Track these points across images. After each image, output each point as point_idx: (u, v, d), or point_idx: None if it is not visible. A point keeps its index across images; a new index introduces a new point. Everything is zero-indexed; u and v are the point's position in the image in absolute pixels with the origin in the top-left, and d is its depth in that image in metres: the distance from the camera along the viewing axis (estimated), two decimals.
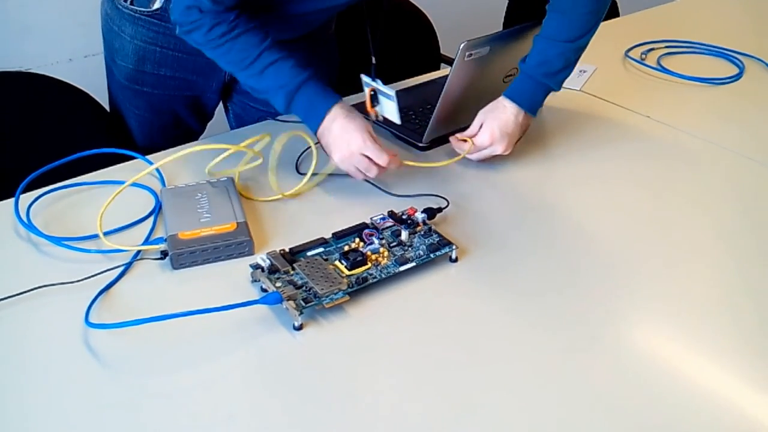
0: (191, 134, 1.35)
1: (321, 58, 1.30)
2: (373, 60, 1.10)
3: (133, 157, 1.10)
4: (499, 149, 1.08)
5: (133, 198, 1.02)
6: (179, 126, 1.32)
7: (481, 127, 1.09)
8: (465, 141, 1.09)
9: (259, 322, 0.81)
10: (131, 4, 1.18)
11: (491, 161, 1.11)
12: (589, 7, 1.07)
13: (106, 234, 0.94)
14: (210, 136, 1.23)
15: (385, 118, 1.10)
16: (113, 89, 1.31)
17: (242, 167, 1.06)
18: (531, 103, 1.10)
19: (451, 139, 1.12)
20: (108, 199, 1.01)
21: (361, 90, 1.12)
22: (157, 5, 1.17)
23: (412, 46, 1.82)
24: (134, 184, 1.03)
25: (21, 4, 1.92)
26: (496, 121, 1.08)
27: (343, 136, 1.01)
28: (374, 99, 1.08)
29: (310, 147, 1.15)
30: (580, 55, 1.11)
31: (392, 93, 1.05)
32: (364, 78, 1.09)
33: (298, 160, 1.12)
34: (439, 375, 0.75)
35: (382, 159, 1.01)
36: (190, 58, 1.22)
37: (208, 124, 1.39)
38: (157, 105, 1.28)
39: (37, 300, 0.83)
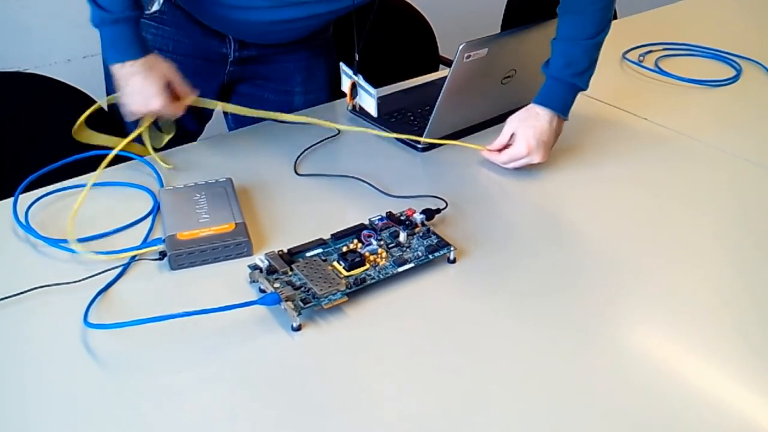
0: (190, 136, 1.35)
1: (319, 62, 1.30)
2: (356, 57, 1.12)
3: (130, 158, 1.10)
4: (536, 158, 1.08)
5: (132, 199, 1.02)
6: (178, 128, 1.32)
7: (513, 135, 1.09)
8: (498, 152, 1.09)
9: (258, 323, 0.81)
10: (128, 10, 1.18)
11: (488, 162, 1.12)
12: (602, 3, 1.07)
13: (104, 235, 0.94)
14: (208, 138, 1.23)
15: (361, 107, 1.15)
16: (111, 92, 1.31)
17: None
18: (563, 106, 1.10)
19: (484, 153, 1.12)
20: (105, 199, 1.01)
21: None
22: (155, 8, 1.17)
23: (410, 48, 1.82)
24: (132, 185, 1.04)
25: (20, 4, 1.92)
26: (531, 129, 1.07)
27: (143, 93, 1.03)
28: (354, 90, 1.13)
29: (309, 147, 1.16)
30: (599, 51, 1.11)
31: (373, 92, 1.09)
32: (345, 68, 1.12)
33: (296, 162, 1.12)
34: (438, 376, 0.75)
35: (174, 113, 1.04)
36: (188, 60, 1.22)
37: (205, 126, 1.39)
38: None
39: (36, 300, 0.83)
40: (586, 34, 1.08)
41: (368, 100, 1.11)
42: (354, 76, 1.11)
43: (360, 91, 1.12)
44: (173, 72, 1.06)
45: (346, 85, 1.15)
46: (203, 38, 1.22)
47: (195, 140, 1.31)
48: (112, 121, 1.30)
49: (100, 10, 1.02)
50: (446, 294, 0.87)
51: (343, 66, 1.14)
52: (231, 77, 1.27)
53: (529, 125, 1.08)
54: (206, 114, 1.36)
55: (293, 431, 0.69)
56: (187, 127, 1.33)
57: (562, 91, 1.10)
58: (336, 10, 1.16)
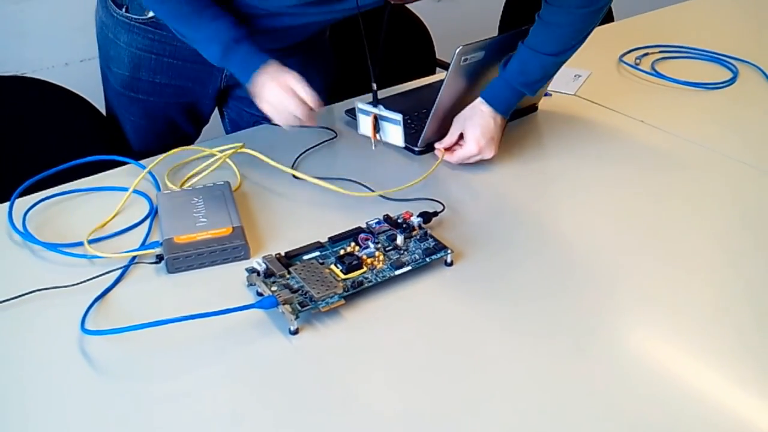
0: (187, 139, 1.35)
1: (315, 65, 1.30)
2: (374, 86, 1.09)
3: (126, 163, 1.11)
4: (487, 155, 1.11)
5: (128, 203, 1.02)
6: (175, 132, 1.32)
7: (461, 135, 1.11)
8: (450, 152, 1.12)
9: (255, 327, 0.81)
10: (126, 11, 1.18)
11: (486, 164, 1.12)
12: (577, 25, 1.09)
13: (101, 239, 0.94)
14: (205, 141, 1.23)
15: (385, 142, 1.08)
16: (109, 96, 1.31)
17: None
18: (507, 108, 1.12)
19: (438, 153, 1.13)
20: (102, 203, 1.01)
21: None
22: (152, 13, 1.17)
23: (408, 51, 1.83)
24: (128, 189, 1.03)
25: (18, 8, 1.92)
26: (479, 128, 1.09)
27: (277, 78, 1.05)
28: (376, 125, 1.07)
29: (306, 150, 1.16)
30: (559, 68, 1.14)
31: (399, 118, 1.04)
32: (361, 106, 1.08)
33: (295, 163, 1.12)
34: (435, 379, 0.75)
35: (311, 98, 1.03)
36: (186, 65, 1.22)
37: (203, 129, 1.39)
38: (153, 112, 1.28)
39: (33, 304, 0.83)
40: (550, 49, 1.10)
41: (393, 132, 1.05)
42: (374, 109, 1.06)
43: (383, 124, 1.05)
44: (297, 78, 1.06)
45: (366, 126, 1.07)
46: None
47: (192, 143, 1.31)
48: (110, 128, 1.31)
49: (220, 43, 1.06)
50: (443, 297, 0.87)
51: (358, 105, 1.09)
52: (228, 81, 1.27)
53: (475, 123, 1.10)
54: (203, 119, 1.36)
55: None
56: (185, 130, 1.34)
57: (508, 95, 1.12)
58: (333, 18, 1.16)
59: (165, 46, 1.20)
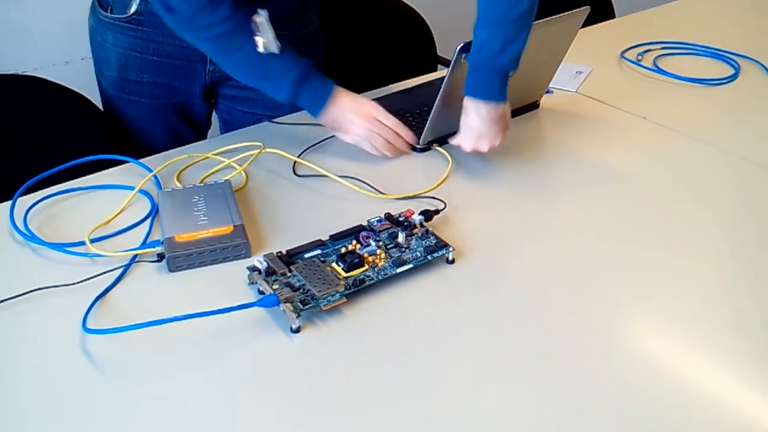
0: (184, 144, 1.36)
1: (302, 54, 1.29)
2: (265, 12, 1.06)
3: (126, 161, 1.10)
4: (484, 148, 1.08)
5: (129, 201, 1.02)
6: (176, 138, 1.32)
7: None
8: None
9: (257, 325, 0.81)
10: (111, 12, 1.20)
11: (487, 162, 1.12)
12: None
13: (102, 238, 0.94)
14: (206, 139, 1.23)
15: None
16: (104, 102, 1.32)
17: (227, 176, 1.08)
18: (486, 92, 1.07)
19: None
20: (104, 202, 1.01)
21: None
22: (133, 9, 1.18)
23: (408, 48, 1.82)
24: (129, 188, 1.03)
25: (18, 6, 1.92)
26: (466, 126, 1.08)
27: (355, 105, 1.09)
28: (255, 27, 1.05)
29: (307, 148, 1.16)
30: (523, 27, 1.06)
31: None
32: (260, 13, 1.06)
33: (295, 162, 1.12)
34: (436, 377, 0.75)
35: (392, 122, 1.07)
36: (169, 62, 1.23)
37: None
38: (148, 115, 1.29)
39: (34, 303, 0.83)
40: (492, 17, 1.05)
41: (266, 35, 1.04)
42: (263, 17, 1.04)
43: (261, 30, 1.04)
44: (376, 107, 1.10)
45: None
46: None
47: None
48: (111, 127, 1.31)
49: (287, 80, 1.06)
50: (445, 295, 0.86)
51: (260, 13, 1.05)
52: (213, 77, 1.27)
53: (464, 122, 1.08)
54: (200, 123, 1.35)
55: None
56: (184, 135, 1.33)
57: (480, 77, 1.07)
58: None
59: (149, 43, 1.21)
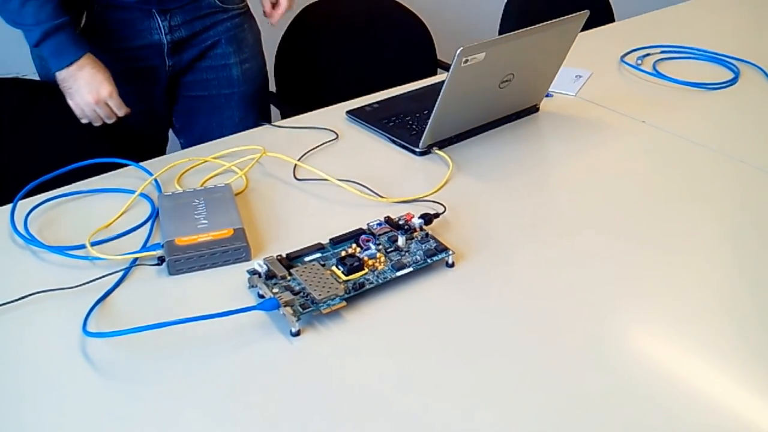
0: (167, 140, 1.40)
1: (243, 29, 1.39)
2: None
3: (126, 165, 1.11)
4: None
5: (130, 204, 1.02)
6: (161, 131, 1.36)
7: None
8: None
9: (257, 329, 0.81)
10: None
11: (487, 166, 1.12)
12: None
13: (103, 241, 0.94)
14: (206, 143, 1.23)
15: None
16: None
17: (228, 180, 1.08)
18: None
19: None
20: (104, 205, 1.01)
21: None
22: (83, 22, 1.22)
23: (409, 52, 1.83)
24: (130, 191, 1.04)
25: None
26: None
27: (92, 83, 1.14)
28: None
29: (307, 152, 1.16)
30: None
31: None
32: None
33: (295, 168, 1.12)
34: (437, 380, 0.75)
35: (122, 111, 1.18)
36: (130, 65, 1.27)
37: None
38: (125, 121, 1.31)
39: (34, 306, 0.83)
40: None
41: None
42: None
43: None
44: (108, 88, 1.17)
45: None
46: (133, 32, 1.24)
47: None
48: (111, 130, 1.31)
49: (37, 27, 1.10)
50: (445, 298, 0.87)
51: None
52: (173, 71, 1.32)
53: None
54: (163, 129, 1.40)
55: None
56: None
57: None
58: None
59: (102, 56, 1.23)
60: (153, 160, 1.13)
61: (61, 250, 0.92)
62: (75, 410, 0.71)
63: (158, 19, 1.23)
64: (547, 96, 1.35)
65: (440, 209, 1.00)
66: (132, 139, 1.34)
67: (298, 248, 0.90)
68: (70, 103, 1.19)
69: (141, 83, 1.28)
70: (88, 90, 1.14)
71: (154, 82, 1.30)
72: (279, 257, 0.88)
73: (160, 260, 0.89)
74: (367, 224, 0.95)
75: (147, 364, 0.76)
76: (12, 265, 0.91)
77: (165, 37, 1.25)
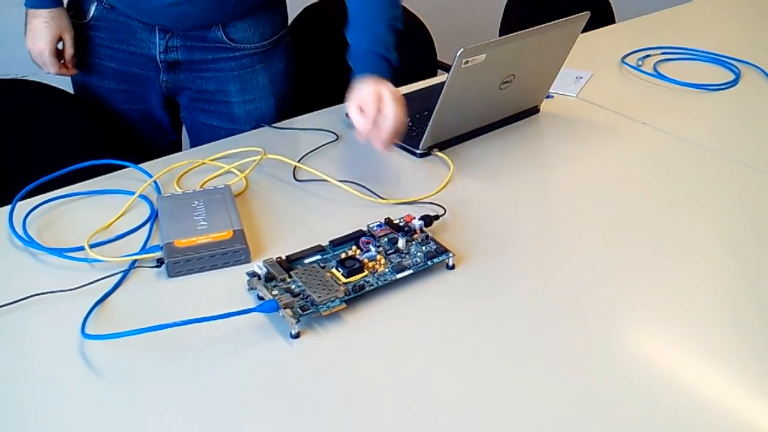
0: (177, 145, 1.38)
1: (254, 70, 1.30)
2: None
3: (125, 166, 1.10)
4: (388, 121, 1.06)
5: (129, 206, 1.02)
6: (161, 136, 1.35)
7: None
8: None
9: (256, 331, 0.80)
10: (73, 18, 1.24)
11: (487, 167, 1.12)
12: None
13: (101, 243, 0.94)
14: (206, 144, 1.23)
15: None
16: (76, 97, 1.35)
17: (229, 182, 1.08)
18: (376, 70, 1.12)
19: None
20: (103, 207, 1.01)
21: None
22: (91, 14, 1.22)
23: (409, 53, 1.82)
24: (129, 192, 1.03)
25: (18, 9, 1.92)
26: (353, 103, 1.06)
27: (34, 33, 1.21)
28: None
29: (307, 153, 1.16)
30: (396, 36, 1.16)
31: None
32: None
33: (294, 169, 1.11)
34: (437, 382, 0.75)
35: (51, 70, 1.22)
36: (126, 69, 1.25)
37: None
38: (123, 121, 1.31)
39: (33, 308, 0.83)
40: (385, 16, 1.15)
41: None
42: None
43: None
44: (69, 32, 1.22)
45: None
46: (133, 39, 1.24)
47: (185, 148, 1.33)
48: (110, 131, 1.31)
49: None
50: (445, 300, 0.86)
51: None
52: (168, 87, 1.29)
53: (350, 100, 1.07)
54: (167, 130, 1.37)
55: None
56: (153, 143, 1.36)
57: (370, 61, 1.11)
58: None
59: (105, 50, 1.24)
60: (152, 161, 1.13)
61: (59, 252, 0.91)
62: (74, 412, 0.71)
63: (157, 35, 1.22)
64: (547, 97, 1.35)
65: (441, 211, 1.00)
66: (132, 139, 1.34)
67: (298, 250, 0.90)
68: (26, 40, 1.25)
69: (136, 86, 1.28)
70: (29, 37, 1.22)
71: (149, 88, 1.28)
72: (279, 259, 0.88)
73: (160, 262, 0.89)
74: (367, 226, 0.95)
75: (146, 366, 0.76)
76: (10, 267, 0.90)
77: (160, 54, 1.24)
